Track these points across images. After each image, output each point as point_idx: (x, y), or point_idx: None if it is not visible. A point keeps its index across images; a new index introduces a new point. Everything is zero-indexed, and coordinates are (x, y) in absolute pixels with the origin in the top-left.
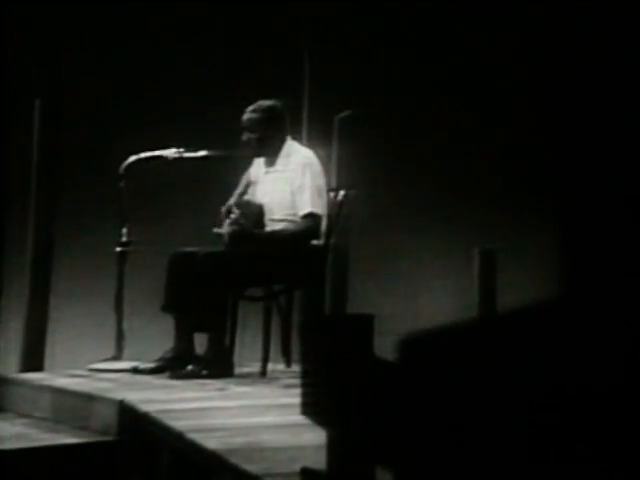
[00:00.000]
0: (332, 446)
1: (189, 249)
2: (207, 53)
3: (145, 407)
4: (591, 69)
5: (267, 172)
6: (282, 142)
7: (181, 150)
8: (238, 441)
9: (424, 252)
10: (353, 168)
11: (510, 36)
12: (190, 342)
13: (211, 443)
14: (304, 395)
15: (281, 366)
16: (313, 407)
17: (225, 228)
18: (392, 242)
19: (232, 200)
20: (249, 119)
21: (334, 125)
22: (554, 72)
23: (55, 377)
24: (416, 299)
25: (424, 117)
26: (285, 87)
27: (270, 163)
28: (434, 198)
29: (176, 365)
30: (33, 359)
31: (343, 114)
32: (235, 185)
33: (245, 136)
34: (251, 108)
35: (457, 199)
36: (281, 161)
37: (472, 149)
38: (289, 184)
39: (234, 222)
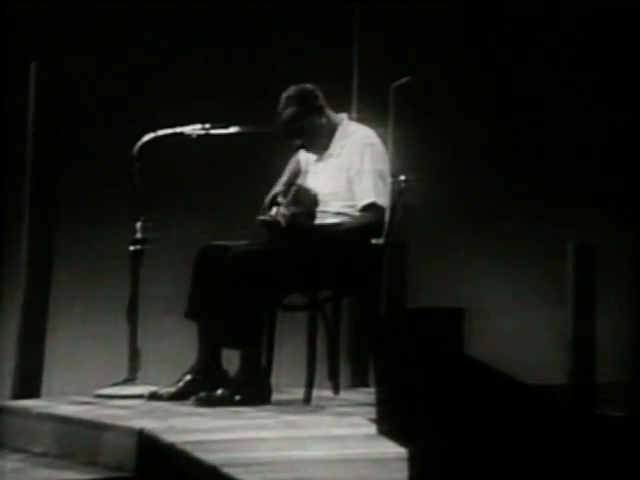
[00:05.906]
0: (415, 465)
1: (221, 242)
2: (242, 16)
3: (170, 437)
4: None
5: (319, 159)
6: (330, 122)
7: (207, 126)
8: (283, 477)
9: (499, 249)
10: (413, 149)
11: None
12: (216, 358)
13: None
14: (380, 408)
15: (328, 392)
16: (393, 421)
17: (275, 215)
18: (461, 238)
19: (277, 189)
20: (285, 116)
21: (390, 95)
22: None
23: (56, 404)
24: (490, 307)
25: (502, 89)
26: (330, 50)
27: (322, 148)
28: (512, 184)
29: (202, 389)
30: (28, 383)
31: (401, 81)
32: (275, 167)
33: (298, 142)
34: (280, 105)
35: (539, 184)
36: (336, 144)
37: (561, 126)
38: (345, 170)
39: (284, 213)
